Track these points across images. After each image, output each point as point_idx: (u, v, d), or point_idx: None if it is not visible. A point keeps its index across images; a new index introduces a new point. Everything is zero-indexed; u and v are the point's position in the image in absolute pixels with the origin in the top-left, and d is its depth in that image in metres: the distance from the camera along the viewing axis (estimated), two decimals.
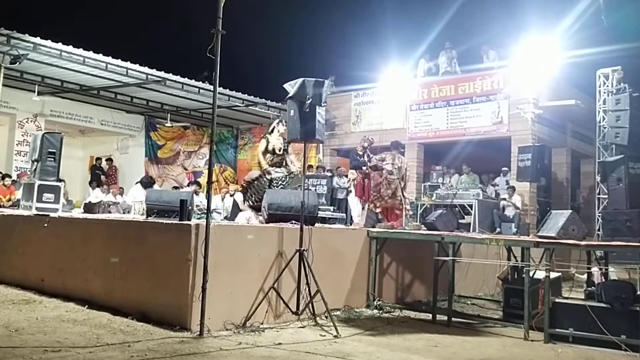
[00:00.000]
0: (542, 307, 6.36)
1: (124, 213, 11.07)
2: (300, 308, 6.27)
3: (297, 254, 6.19)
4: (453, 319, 6.86)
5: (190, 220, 6.44)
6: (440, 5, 18.78)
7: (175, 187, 14.33)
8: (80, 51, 11.65)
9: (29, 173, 9.85)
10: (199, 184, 13.95)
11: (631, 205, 10.30)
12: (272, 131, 8.35)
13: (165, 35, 23.17)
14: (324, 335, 5.78)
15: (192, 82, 13.74)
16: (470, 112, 13.97)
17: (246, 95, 15.13)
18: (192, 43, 12.21)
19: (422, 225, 10.00)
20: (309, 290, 6.14)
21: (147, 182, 12.25)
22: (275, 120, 8.50)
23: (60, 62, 12.03)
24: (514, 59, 13.53)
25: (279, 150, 8.25)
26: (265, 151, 8.32)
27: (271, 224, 6.83)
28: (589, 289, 6.77)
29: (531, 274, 6.47)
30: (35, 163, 8.05)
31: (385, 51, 17.07)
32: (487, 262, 8.63)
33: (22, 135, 14.48)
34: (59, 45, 11.36)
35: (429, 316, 7.07)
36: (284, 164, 8.30)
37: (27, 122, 14.64)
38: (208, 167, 6.35)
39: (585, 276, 8.63)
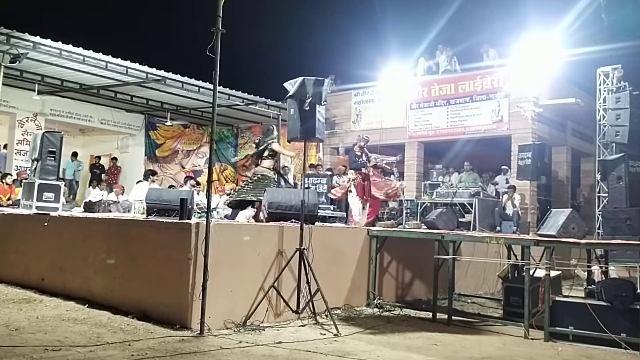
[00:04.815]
0: (542, 305, 6.38)
1: (124, 212, 11.08)
2: (301, 307, 6.28)
3: (297, 252, 6.20)
4: (453, 317, 6.86)
5: (190, 219, 6.44)
6: (441, 4, 18.79)
7: (172, 186, 14.33)
8: (80, 50, 11.62)
9: (28, 172, 9.85)
10: (196, 180, 13.96)
11: (631, 203, 10.33)
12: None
13: (165, 34, 23.17)
14: (324, 334, 5.79)
15: (192, 80, 13.72)
16: (470, 111, 13.97)
17: (246, 94, 15.12)
18: (192, 42, 12.23)
19: (422, 224, 10.02)
20: (309, 289, 6.14)
21: (150, 173, 12.35)
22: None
23: (60, 61, 12.00)
24: (514, 58, 13.52)
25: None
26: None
27: (271, 223, 6.83)
28: (589, 287, 6.78)
29: (531, 272, 6.47)
30: (36, 162, 8.04)
31: (385, 50, 17.10)
32: (487, 261, 8.63)
33: (22, 134, 14.46)
34: (59, 44, 11.33)
35: (429, 315, 7.08)
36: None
37: (27, 121, 14.61)
38: (208, 166, 6.35)
39: (585, 273, 8.63)
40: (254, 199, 8.19)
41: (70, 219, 7.79)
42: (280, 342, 5.31)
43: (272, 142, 8.55)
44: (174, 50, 21.59)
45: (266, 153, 8.52)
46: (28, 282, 7.29)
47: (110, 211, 10.75)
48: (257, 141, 8.97)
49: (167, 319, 5.62)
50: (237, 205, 8.56)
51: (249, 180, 8.60)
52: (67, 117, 15.48)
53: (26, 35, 10.91)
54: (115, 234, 6.64)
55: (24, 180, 9.42)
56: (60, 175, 14.33)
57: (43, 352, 4.47)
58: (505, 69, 13.66)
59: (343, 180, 12.25)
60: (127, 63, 12.50)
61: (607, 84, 12.56)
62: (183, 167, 18.07)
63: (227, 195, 9.24)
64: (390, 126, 14.82)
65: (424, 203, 13.16)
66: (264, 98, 15.50)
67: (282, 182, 8.75)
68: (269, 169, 8.50)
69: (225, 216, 9.93)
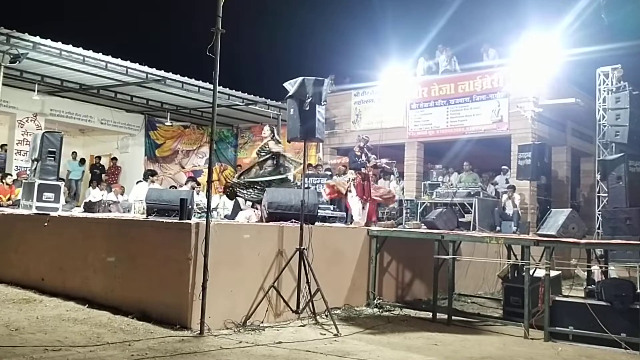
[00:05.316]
0: (542, 305, 6.38)
1: (124, 212, 11.08)
2: (301, 307, 6.28)
3: (297, 252, 6.20)
4: (453, 317, 6.86)
5: (190, 219, 6.44)
6: (441, 4, 18.78)
7: (173, 187, 14.36)
8: (80, 50, 11.63)
9: (28, 172, 9.85)
10: (196, 181, 13.99)
11: (631, 203, 10.34)
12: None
13: (165, 34, 23.17)
14: (324, 334, 5.79)
15: (192, 80, 13.73)
16: (470, 111, 13.97)
17: (246, 94, 15.13)
18: (192, 42, 12.23)
19: (422, 224, 10.02)
20: (309, 289, 6.15)
21: (149, 173, 12.38)
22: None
23: (60, 61, 12.00)
24: (514, 57, 13.52)
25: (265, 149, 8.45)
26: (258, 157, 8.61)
27: (271, 223, 6.83)
28: (589, 287, 6.78)
29: (531, 272, 6.47)
30: (35, 162, 8.04)
31: (385, 50, 17.08)
32: (487, 261, 8.64)
33: (22, 134, 14.47)
34: (59, 44, 11.34)
35: (429, 315, 7.07)
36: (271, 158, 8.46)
37: (27, 121, 14.62)
38: (208, 166, 6.35)
39: (585, 273, 8.63)
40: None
41: (70, 219, 7.79)
42: (280, 342, 5.31)
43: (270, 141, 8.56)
44: (174, 50, 21.63)
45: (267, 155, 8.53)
46: (28, 282, 7.29)
47: (110, 211, 10.75)
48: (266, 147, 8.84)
49: (167, 319, 5.62)
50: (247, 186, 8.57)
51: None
52: (67, 117, 15.49)
53: (26, 35, 10.91)
54: (115, 234, 6.64)
55: (24, 181, 9.42)
56: (65, 177, 14.54)
57: (43, 352, 4.47)
58: (505, 69, 13.66)
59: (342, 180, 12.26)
60: (127, 63, 12.50)
61: (607, 84, 12.56)
62: (183, 167, 18.08)
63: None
64: (390, 126, 14.81)
65: (424, 203, 13.16)
66: (264, 98, 15.51)
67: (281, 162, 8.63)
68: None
69: (225, 216, 9.94)
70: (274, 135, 8.67)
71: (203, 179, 16.24)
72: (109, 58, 12.11)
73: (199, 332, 5.39)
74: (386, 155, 11.72)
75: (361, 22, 28.39)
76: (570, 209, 7.93)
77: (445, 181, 14.05)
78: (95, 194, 13.86)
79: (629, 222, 9.54)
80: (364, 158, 9.39)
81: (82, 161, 16.37)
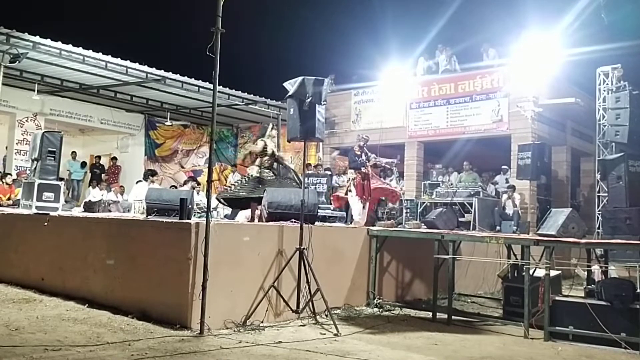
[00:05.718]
0: (542, 305, 6.38)
1: (124, 212, 11.09)
2: (301, 306, 6.28)
3: (297, 252, 6.20)
4: (453, 317, 6.86)
5: (190, 219, 6.44)
6: (440, 3, 18.79)
7: (173, 186, 14.37)
8: (80, 50, 11.63)
9: (27, 172, 9.86)
10: (196, 181, 13.98)
11: (631, 203, 10.34)
12: (267, 135, 8.44)
13: (165, 34, 23.17)
14: (324, 334, 5.79)
15: (192, 80, 13.74)
16: (470, 110, 13.97)
17: (246, 94, 15.13)
18: (192, 42, 12.23)
19: (422, 224, 10.02)
20: (309, 288, 6.15)
21: (149, 173, 12.39)
22: (269, 127, 8.61)
23: (59, 60, 12.01)
24: (514, 57, 13.52)
25: (271, 152, 8.28)
26: (263, 154, 8.35)
27: (271, 223, 6.83)
28: (589, 286, 6.78)
29: (531, 272, 6.47)
30: (35, 162, 8.04)
31: (385, 49, 17.09)
32: (487, 260, 8.63)
33: (22, 134, 14.47)
34: (59, 44, 11.34)
35: (429, 314, 7.07)
36: (274, 165, 8.30)
37: (26, 121, 14.63)
38: (208, 165, 6.35)
39: (585, 273, 8.63)
40: (247, 195, 8.09)
41: (70, 219, 7.79)
42: (280, 342, 5.31)
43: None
44: (174, 50, 21.62)
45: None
46: (28, 282, 7.29)
47: (110, 211, 10.76)
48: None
49: (167, 318, 5.62)
50: (231, 203, 8.52)
51: (245, 180, 8.52)
52: (67, 117, 15.50)
53: (26, 35, 10.91)
54: (115, 234, 6.64)
55: (24, 180, 9.42)
56: (66, 177, 14.54)
57: (43, 352, 4.47)
58: (505, 68, 13.65)
59: (343, 180, 12.27)
60: (127, 63, 12.50)
61: (607, 84, 12.56)
62: (183, 167, 18.08)
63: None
64: (390, 126, 14.81)
65: (424, 203, 13.16)
66: (263, 98, 15.51)
67: (281, 169, 8.49)
68: (264, 167, 8.37)
69: (225, 216, 9.94)
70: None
71: (203, 178, 16.25)
72: (108, 58, 12.11)
73: (199, 331, 5.39)
74: (386, 155, 11.75)
75: (361, 22, 28.42)
76: (570, 209, 7.94)
77: (445, 181, 14.06)
78: (95, 194, 13.87)
79: (629, 221, 9.54)
80: (363, 157, 9.39)
81: (84, 164, 16.42)
